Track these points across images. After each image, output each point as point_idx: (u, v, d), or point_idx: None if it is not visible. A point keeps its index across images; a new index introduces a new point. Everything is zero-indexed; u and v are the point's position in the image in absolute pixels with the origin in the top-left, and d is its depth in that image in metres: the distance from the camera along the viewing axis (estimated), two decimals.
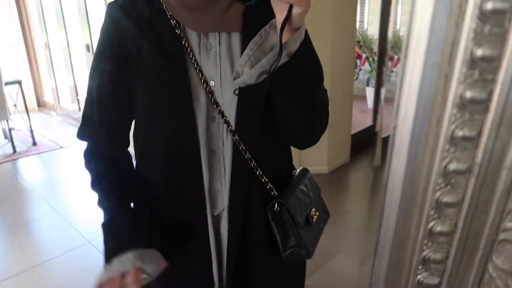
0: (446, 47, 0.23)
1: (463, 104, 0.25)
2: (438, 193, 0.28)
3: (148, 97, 0.71)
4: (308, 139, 0.76)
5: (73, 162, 3.85)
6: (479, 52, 0.23)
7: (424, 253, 0.31)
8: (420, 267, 0.32)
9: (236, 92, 0.66)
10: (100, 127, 0.76)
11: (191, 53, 0.67)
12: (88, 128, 0.79)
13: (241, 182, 0.72)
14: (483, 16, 0.22)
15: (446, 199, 0.28)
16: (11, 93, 4.37)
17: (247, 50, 0.62)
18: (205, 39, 0.68)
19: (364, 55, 5.68)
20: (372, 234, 2.49)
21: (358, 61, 5.71)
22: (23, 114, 4.42)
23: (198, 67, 0.67)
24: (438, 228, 0.29)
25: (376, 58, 5.31)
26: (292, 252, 0.73)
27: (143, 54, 0.69)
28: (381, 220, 0.30)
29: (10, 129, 4.07)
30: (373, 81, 5.69)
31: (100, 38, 0.73)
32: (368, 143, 3.98)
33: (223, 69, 0.68)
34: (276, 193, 0.74)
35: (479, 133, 0.25)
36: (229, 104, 0.69)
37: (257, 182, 0.73)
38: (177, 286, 0.83)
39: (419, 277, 0.32)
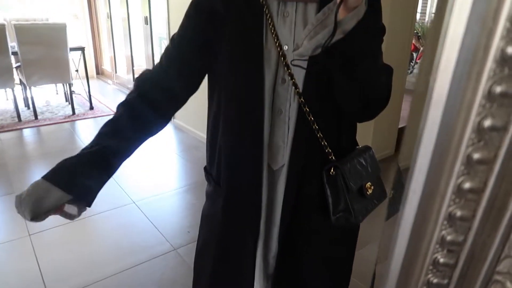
0: (492, 1, 0.24)
1: (503, 60, 0.25)
2: (470, 149, 0.29)
3: (227, 57, 0.78)
4: (363, 113, 0.80)
5: None
6: None
7: (451, 208, 0.32)
8: (445, 222, 0.33)
9: (293, 62, 0.72)
10: (174, 63, 0.83)
11: (270, 19, 0.74)
12: (159, 64, 0.85)
13: (302, 141, 0.77)
14: None
15: (477, 155, 0.29)
16: (74, 60, 4.68)
17: (309, 25, 0.67)
18: (283, 7, 0.74)
19: (422, 48, 5.42)
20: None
21: (414, 54, 5.45)
22: (83, 80, 4.72)
23: (274, 32, 0.74)
24: (467, 185, 0.30)
25: None
26: (340, 216, 0.78)
27: (228, 18, 0.76)
28: (411, 172, 0.32)
29: (71, 93, 4.37)
30: None
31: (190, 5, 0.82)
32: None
33: (297, 36, 0.73)
34: (334, 158, 0.78)
35: None
36: (299, 69, 0.74)
37: (317, 144, 0.78)
38: (220, 231, 0.91)
39: (443, 232, 0.33)
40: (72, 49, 4.33)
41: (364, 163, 0.81)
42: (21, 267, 1.91)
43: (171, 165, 3.31)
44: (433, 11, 6.42)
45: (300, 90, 0.74)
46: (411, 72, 5.23)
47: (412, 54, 5.08)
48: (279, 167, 0.81)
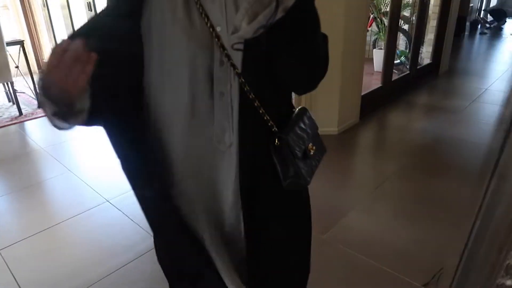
0: None
1: None
2: None
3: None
4: (306, 85, 0.85)
5: None
6: None
7: None
8: None
9: (235, 46, 0.71)
10: None
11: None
12: None
13: (247, 119, 0.78)
14: None
15: None
16: (12, 55, 4.28)
17: (245, 5, 0.67)
18: None
19: (371, 16, 5.53)
20: (383, 193, 2.55)
21: None
22: (26, 76, 4.35)
23: (203, 12, 0.70)
24: None
25: (385, 19, 5.17)
26: (291, 182, 0.83)
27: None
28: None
29: (15, 92, 4.01)
30: (380, 43, 5.57)
31: None
32: (377, 105, 3.96)
33: (229, 16, 0.71)
34: (276, 130, 0.80)
35: None
36: (235, 51, 0.72)
37: (261, 119, 0.79)
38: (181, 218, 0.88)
39: None
40: (9, 44, 3.94)
41: (304, 126, 0.85)
42: None
43: None
44: None
45: (239, 71, 0.73)
46: None
47: None
48: (226, 148, 0.80)
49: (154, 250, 1.93)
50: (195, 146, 0.80)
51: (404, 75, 4.76)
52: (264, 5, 0.65)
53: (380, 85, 4.20)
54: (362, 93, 3.65)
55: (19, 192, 2.61)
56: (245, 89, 0.74)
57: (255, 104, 0.76)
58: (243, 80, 0.74)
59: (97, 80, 0.61)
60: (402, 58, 5.26)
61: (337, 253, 1.95)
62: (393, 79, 4.38)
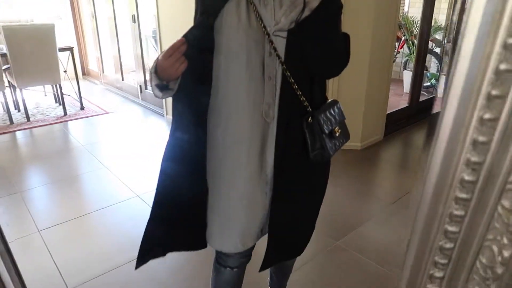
0: None
1: None
2: (490, 87, 0.40)
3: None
4: (330, 71, 1.06)
5: (119, 127, 4.12)
6: None
7: (474, 135, 0.43)
8: (470, 146, 0.44)
9: (275, 33, 0.94)
10: None
11: (254, 7, 0.95)
12: None
13: (286, 98, 0.99)
14: None
15: (495, 92, 0.40)
16: (62, 60, 4.66)
17: (284, 6, 0.93)
18: None
19: (403, 38, 5.59)
20: (401, 207, 2.59)
21: (396, 44, 5.62)
22: (71, 81, 4.71)
23: (259, 17, 0.95)
24: (487, 115, 0.41)
25: (415, 41, 5.22)
26: (317, 153, 1.02)
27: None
28: (443, 108, 0.43)
29: (62, 94, 4.36)
30: (411, 65, 5.61)
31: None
32: (402, 124, 4.00)
33: (276, 16, 0.95)
34: (310, 109, 1.01)
35: None
36: (280, 43, 0.96)
37: (298, 100, 1.00)
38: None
39: (467, 155, 0.45)
40: (61, 50, 4.32)
41: (333, 113, 1.05)
42: (37, 262, 1.96)
43: None
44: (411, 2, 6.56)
45: (283, 60, 0.96)
46: (393, 61, 5.39)
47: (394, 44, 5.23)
48: (271, 120, 1.01)
49: None
50: (250, 117, 1.01)
51: (432, 97, 4.76)
52: (296, 6, 0.91)
53: (406, 105, 4.24)
54: (388, 112, 3.71)
55: (59, 182, 2.86)
56: (287, 74, 0.96)
57: (294, 87, 0.97)
58: (285, 67, 0.96)
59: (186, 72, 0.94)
60: (433, 81, 5.28)
61: (350, 259, 2.02)
62: (420, 100, 4.40)
